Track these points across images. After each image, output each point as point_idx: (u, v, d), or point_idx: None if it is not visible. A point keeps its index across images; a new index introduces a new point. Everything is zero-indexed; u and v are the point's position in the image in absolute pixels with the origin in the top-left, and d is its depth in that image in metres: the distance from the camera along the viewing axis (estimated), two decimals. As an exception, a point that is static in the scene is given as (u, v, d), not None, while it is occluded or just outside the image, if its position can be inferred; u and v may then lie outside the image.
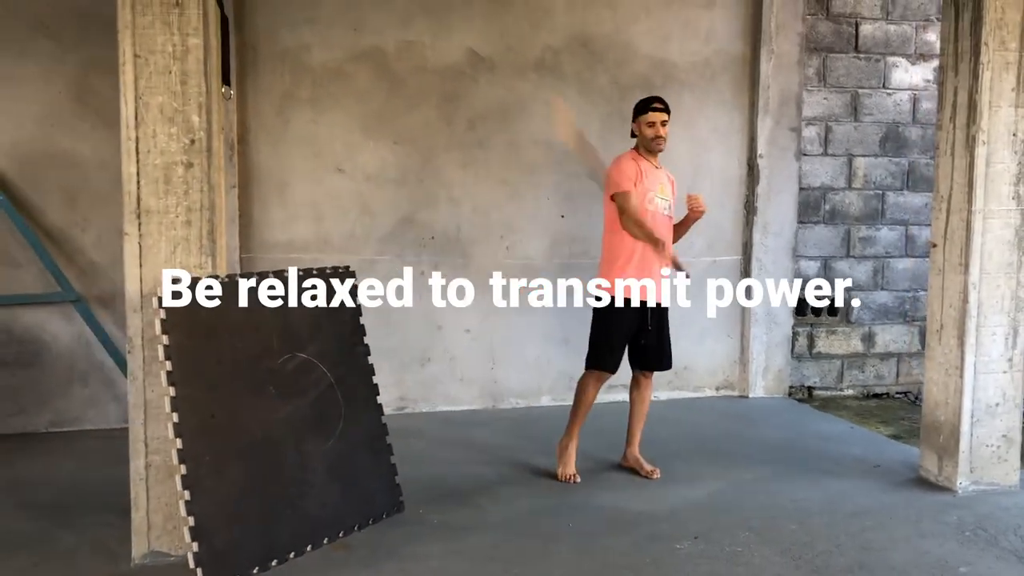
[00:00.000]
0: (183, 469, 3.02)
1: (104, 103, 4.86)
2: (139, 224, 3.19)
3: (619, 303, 4.17)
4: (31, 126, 4.88)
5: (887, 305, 6.18)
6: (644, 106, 4.23)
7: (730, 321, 5.95)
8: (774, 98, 5.79)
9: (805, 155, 5.94)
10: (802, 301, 6.02)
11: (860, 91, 6.01)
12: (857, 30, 5.97)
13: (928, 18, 6.04)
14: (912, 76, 6.07)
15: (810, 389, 6.12)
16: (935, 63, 6.02)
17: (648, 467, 4.37)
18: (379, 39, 5.29)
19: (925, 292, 6.06)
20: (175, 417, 3.04)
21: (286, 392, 3.45)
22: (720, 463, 4.56)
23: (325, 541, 3.45)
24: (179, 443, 3.03)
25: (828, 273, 6.06)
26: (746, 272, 5.91)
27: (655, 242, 4.10)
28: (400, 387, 5.45)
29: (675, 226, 4.34)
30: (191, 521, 2.99)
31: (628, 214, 4.12)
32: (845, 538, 3.58)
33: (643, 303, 4.18)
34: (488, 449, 4.73)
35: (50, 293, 4.92)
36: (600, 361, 4.24)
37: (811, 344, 6.09)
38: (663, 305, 4.29)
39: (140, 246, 3.19)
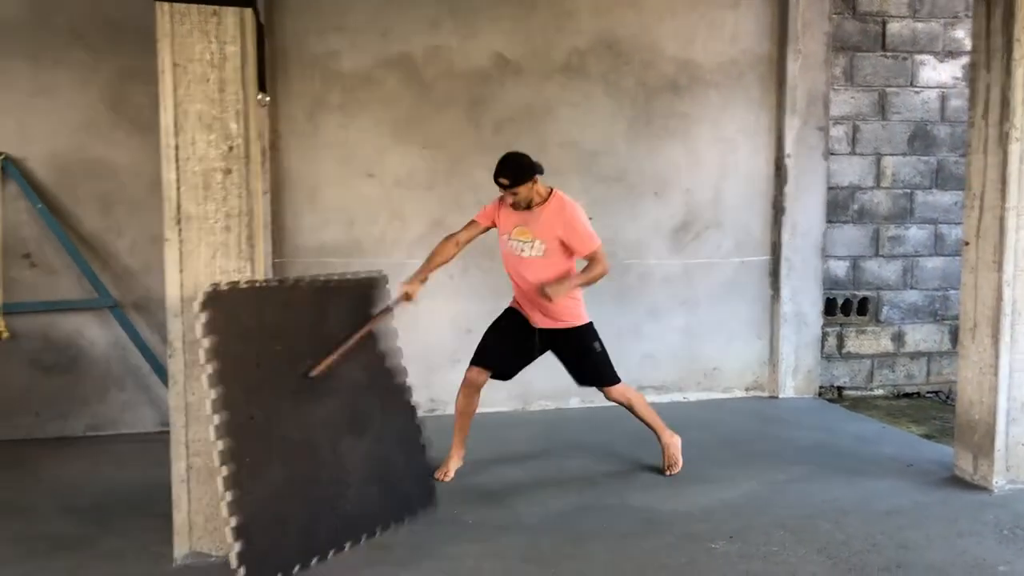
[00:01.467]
0: (225, 470, 3.06)
1: (138, 111, 4.95)
2: (179, 230, 3.24)
3: (508, 308, 4.34)
4: (67, 135, 4.96)
5: (917, 304, 6.15)
6: (494, 178, 4.06)
7: (759, 322, 5.95)
8: (801, 97, 5.78)
9: (833, 154, 5.92)
10: (831, 301, 6.00)
11: (888, 90, 5.99)
12: (884, 28, 5.95)
13: (956, 15, 6.01)
14: (940, 74, 6.04)
15: (840, 389, 6.09)
16: (964, 60, 5.99)
17: (669, 461, 4.43)
18: (407, 45, 5.34)
19: (955, 291, 6.05)
20: (216, 419, 3.07)
21: (322, 393, 3.49)
22: (752, 463, 4.55)
23: (363, 539, 3.50)
24: (221, 445, 3.06)
25: (857, 273, 6.04)
26: (775, 273, 5.90)
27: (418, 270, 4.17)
28: (430, 389, 5.48)
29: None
30: (233, 521, 3.03)
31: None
32: (881, 537, 3.57)
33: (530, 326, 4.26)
34: (519, 451, 4.75)
35: (87, 299, 5.00)
36: (474, 355, 4.34)
37: (840, 344, 6.07)
38: (551, 329, 4.24)
39: (180, 251, 3.24)
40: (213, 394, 3.09)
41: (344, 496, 3.49)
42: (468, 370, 4.31)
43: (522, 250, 4.15)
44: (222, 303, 3.12)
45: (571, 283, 4.10)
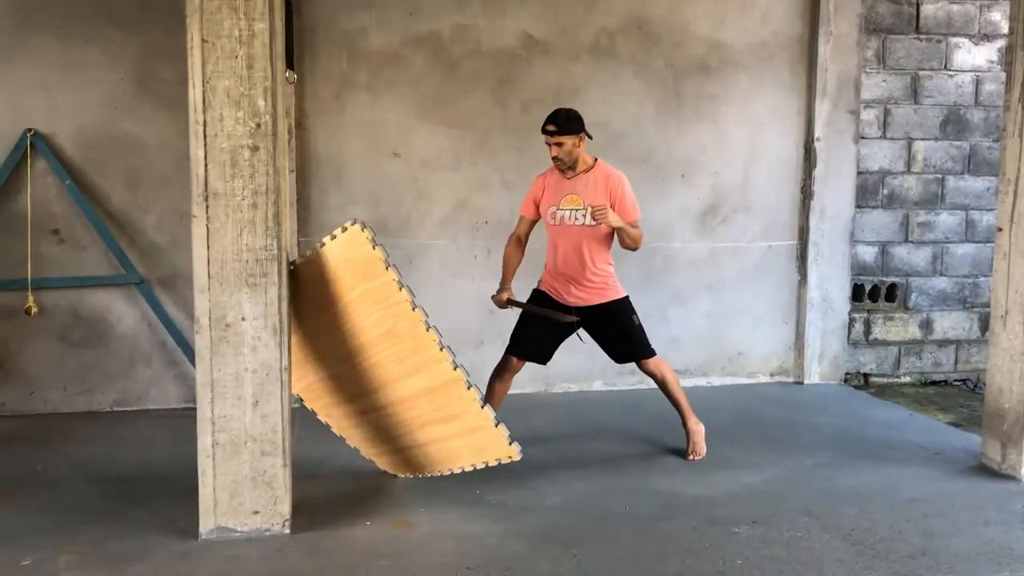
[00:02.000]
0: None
1: (165, 87, 4.96)
2: (207, 207, 3.24)
3: (538, 291, 4.34)
4: (95, 111, 4.99)
5: (946, 291, 6.07)
6: (542, 128, 4.15)
7: (786, 307, 5.90)
8: (832, 80, 5.70)
9: (863, 138, 5.84)
10: (859, 287, 5.94)
11: (920, 73, 5.89)
12: (918, 10, 5.84)
13: (993, -3, 5.90)
14: (975, 57, 5.94)
15: (866, 376, 6.04)
16: (1000, 43, 5.88)
17: (692, 446, 4.41)
18: (435, 23, 5.31)
19: (985, 278, 5.97)
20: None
21: None
22: (776, 449, 4.52)
23: None
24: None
25: (886, 259, 5.97)
26: (802, 257, 5.84)
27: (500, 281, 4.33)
28: (453, 370, 5.49)
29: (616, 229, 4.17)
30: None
31: (509, 238, 4.41)
32: (907, 524, 3.54)
33: (568, 306, 4.24)
34: (542, 432, 4.75)
35: (114, 275, 5.04)
36: (508, 346, 4.36)
37: (867, 330, 6.01)
38: (589, 306, 4.24)
39: (207, 228, 3.25)
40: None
41: None
42: (505, 358, 4.31)
43: (575, 219, 4.16)
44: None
45: (621, 220, 4.11)
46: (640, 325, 4.34)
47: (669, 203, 5.66)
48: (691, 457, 4.35)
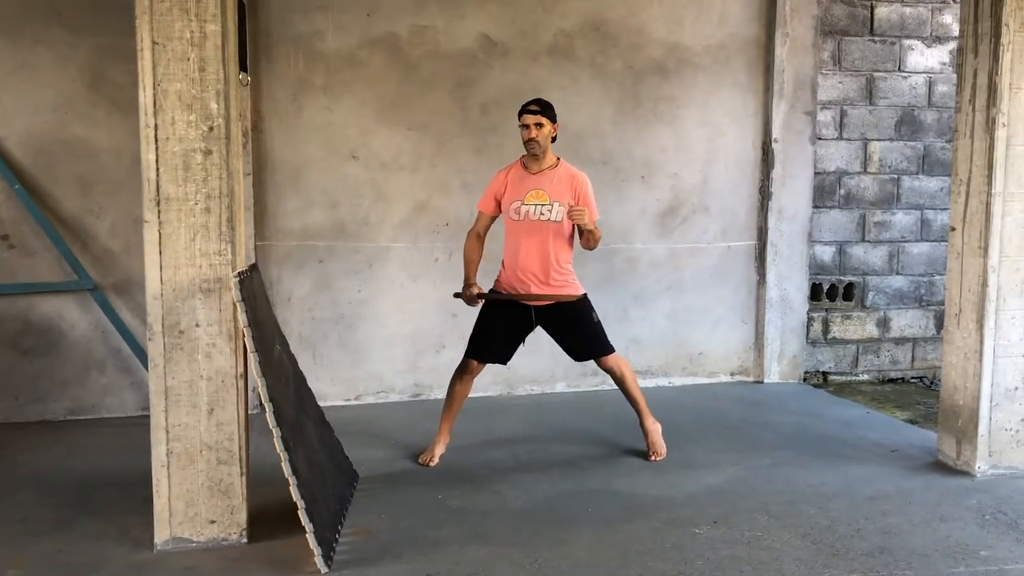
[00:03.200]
0: (286, 455, 3.06)
1: (118, 90, 4.87)
2: (158, 211, 3.18)
3: (494, 295, 4.29)
4: (46, 114, 4.88)
5: (902, 290, 6.16)
6: (520, 109, 4.20)
7: (745, 307, 5.94)
8: (789, 82, 5.75)
9: (820, 139, 5.91)
10: (817, 286, 6.00)
11: (875, 74, 5.97)
12: (872, 13, 5.93)
13: (944, 0, 5.99)
14: (928, 59, 6.03)
15: (825, 374, 6.11)
16: (951, 46, 5.98)
17: (652, 447, 4.42)
18: (392, 24, 5.27)
19: (940, 277, 6.06)
20: (270, 407, 3.07)
21: (286, 378, 3.51)
22: (737, 448, 4.55)
23: (343, 518, 3.55)
24: (279, 431, 3.06)
25: (843, 258, 6.04)
26: (761, 257, 5.88)
27: (464, 278, 4.26)
28: (415, 373, 5.46)
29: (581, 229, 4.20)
30: (303, 504, 3.02)
31: (468, 233, 4.34)
32: (865, 522, 3.58)
33: (524, 305, 4.24)
34: (504, 435, 4.73)
35: (67, 281, 4.93)
36: (467, 348, 4.32)
37: (826, 329, 6.08)
38: (551, 306, 4.24)
39: (160, 233, 3.19)
40: (261, 384, 3.10)
41: (326, 474, 3.55)
42: (466, 361, 4.28)
43: (541, 214, 4.16)
44: (244, 288, 3.16)
45: (591, 220, 4.15)
46: (599, 322, 4.35)
47: (629, 204, 5.68)
48: (653, 458, 4.36)
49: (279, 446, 3.04)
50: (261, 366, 3.09)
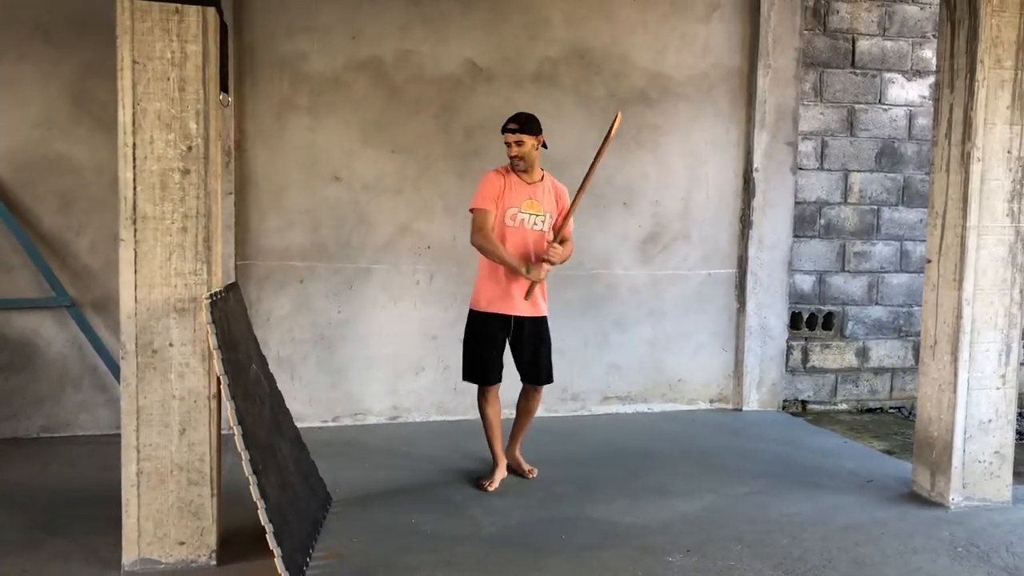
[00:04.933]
0: (255, 479, 3.02)
1: (101, 108, 4.87)
2: (135, 230, 3.18)
3: (482, 312, 4.26)
4: (28, 130, 4.88)
5: (881, 320, 6.19)
6: (502, 128, 4.24)
7: (725, 335, 5.96)
8: (771, 112, 5.81)
9: (801, 169, 5.96)
10: (796, 315, 6.03)
11: (856, 106, 6.04)
12: (854, 46, 6.00)
13: (924, 35, 6.07)
14: (908, 92, 6.10)
15: (804, 403, 6.12)
16: (931, 80, 6.06)
17: (527, 466, 4.47)
18: (377, 48, 5.30)
19: (919, 307, 6.10)
20: (239, 430, 3.04)
21: (261, 398, 3.50)
22: (713, 476, 4.55)
23: (315, 540, 3.52)
24: (247, 454, 3.03)
25: (823, 288, 6.08)
26: (741, 286, 5.91)
27: (511, 266, 4.15)
28: (393, 396, 5.45)
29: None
30: (271, 528, 2.98)
31: (478, 233, 4.16)
32: (838, 552, 3.58)
33: (507, 315, 4.24)
34: (481, 460, 4.71)
35: (44, 298, 4.91)
36: (473, 375, 4.30)
37: (805, 358, 6.10)
38: (530, 316, 4.26)
39: (135, 252, 3.19)
40: (230, 407, 3.06)
41: (299, 496, 3.52)
42: (488, 389, 4.30)
43: (535, 224, 4.22)
44: (216, 310, 3.14)
45: (564, 252, 4.24)
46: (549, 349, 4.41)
47: (611, 230, 5.70)
48: (488, 487, 4.28)
49: (247, 469, 3.02)
50: (230, 388, 3.07)
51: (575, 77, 5.59)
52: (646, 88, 5.69)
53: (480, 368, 4.28)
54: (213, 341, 3.09)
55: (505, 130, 4.21)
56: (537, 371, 4.35)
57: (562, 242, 4.25)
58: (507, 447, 4.52)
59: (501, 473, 4.35)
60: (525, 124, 4.20)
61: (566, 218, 4.29)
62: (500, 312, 4.23)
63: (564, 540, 3.67)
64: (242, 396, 3.17)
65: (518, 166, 4.21)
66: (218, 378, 3.25)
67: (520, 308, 4.23)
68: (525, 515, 3.96)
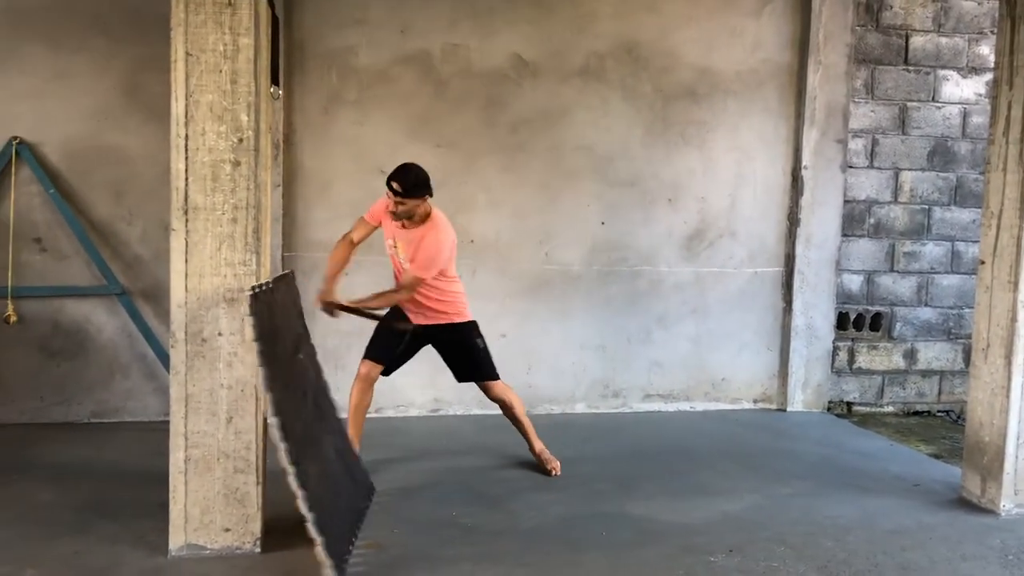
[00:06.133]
0: (292, 469, 3.02)
1: (153, 99, 4.94)
2: (186, 220, 3.23)
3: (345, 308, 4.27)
4: (82, 121, 4.97)
5: (931, 322, 6.08)
6: (387, 181, 4.07)
7: (770, 334, 5.89)
8: (820, 109, 5.72)
9: (851, 167, 5.86)
10: (843, 315, 5.94)
11: (909, 104, 5.92)
12: (907, 42, 5.88)
13: (981, 31, 5.94)
14: (963, 90, 5.97)
15: (849, 405, 6.03)
16: (987, 77, 5.92)
17: (548, 465, 4.45)
18: (425, 42, 5.32)
19: (970, 309, 5.98)
20: (276, 421, 3.05)
21: (304, 389, 3.52)
22: (756, 476, 4.50)
23: (358, 530, 3.55)
24: (285, 446, 3.04)
25: (871, 288, 5.98)
26: (787, 284, 5.84)
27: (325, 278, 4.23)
28: (434, 389, 5.47)
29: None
30: (311, 517, 3.00)
31: (342, 237, 4.28)
32: (883, 557, 3.52)
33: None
34: (521, 454, 4.70)
35: (96, 286, 5.01)
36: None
37: (851, 359, 6.01)
38: (437, 324, 4.27)
39: (186, 242, 3.23)
40: (267, 399, 3.09)
41: (341, 485, 3.54)
42: (361, 364, 4.29)
43: (402, 260, 4.21)
44: (257, 303, 3.16)
45: (372, 300, 4.22)
46: (485, 349, 4.38)
47: (655, 227, 5.67)
48: (554, 473, 4.38)
49: (285, 460, 3.03)
50: (268, 381, 3.07)
51: (622, 72, 5.55)
52: (694, 83, 5.64)
53: (371, 340, 4.31)
54: (251, 333, 3.11)
55: (388, 186, 4.02)
56: (469, 370, 4.40)
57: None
58: (528, 448, 4.53)
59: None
60: (409, 190, 4.00)
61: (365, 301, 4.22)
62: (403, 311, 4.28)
63: (604, 537, 3.66)
64: (282, 388, 3.19)
65: (397, 217, 4.12)
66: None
67: (418, 319, 4.25)
68: (564, 510, 3.95)
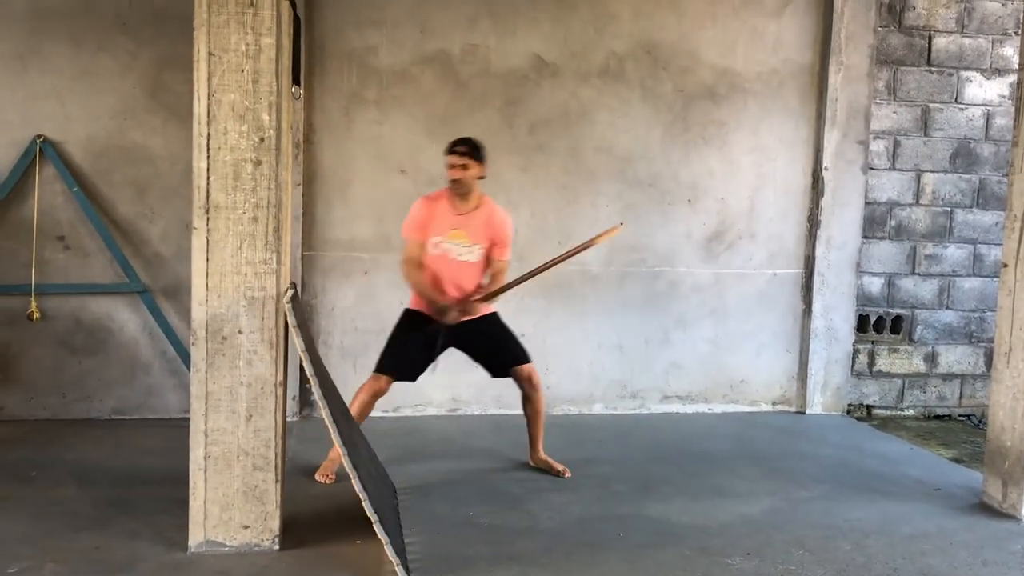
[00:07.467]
0: (356, 472, 3.09)
1: (176, 99, 4.98)
2: (207, 219, 3.25)
3: (411, 310, 4.26)
4: (106, 120, 5.02)
5: (952, 325, 6.03)
6: (447, 148, 4.17)
7: (789, 336, 5.86)
8: (842, 110, 5.69)
9: (872, 169, 5.82)
10: (864, 317, 5.90)
11: (931, 105, 5.88)
12: (930, 43, 5.84)
13: (1005, 32, 5.88)
14: (986, 91, 5.92)
15: (869, 408, 5.99)
16: (1011, 78, 5.87)
17: (558, 466, 4.41)
18: (445, 42, 5.33)
19: (992, 313, 5.92)
20: (335, 427, 3.12)
21: (334, 387, 3.54)
22: (775, 479, 4.48)
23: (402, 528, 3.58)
24: (345, 451, 3.12)
25: (892, 290, 5.94)
26: (807, 286, 5.81)
27: (429, 300, 4.15)
28: (452, 389, 5.47)
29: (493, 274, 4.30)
30: (375, 518, 3.05)
31: (404, 264, 4.22)
32: (903, 562, 3.50)
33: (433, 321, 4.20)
34: (538, 454, 4.72)
35: (118, 283, 5.05)
36: (377, 364, 4.23)
37: (872, 362, 5.97)
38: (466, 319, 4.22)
39: (208, 240, 3.25)
40: (323, 403, 3.15)
41: (380, 486, 3.57)
42: (375, 379, 4.18)
43: (459, 253, 4.19)
44: (297, 312, 3.20)
45: (492, 294, 4.23)
46: (513, 332, 4.36)
47: (674, 227, 5.65)
48: (566, 474, 4.36)
49: (347, 464, 3.08)
50: (321, 388, 3.13)
51: (641, 72, 5.54)
52: (714, 84, 5.62)
53: (385, 355, 4.22)
54: (300, 344, 3.17)
55: (451, 151, 4.12)
56: (504, 354, 4.32)
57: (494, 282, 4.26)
58: (531, 452, 4.51)
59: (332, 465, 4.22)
60: (474, 150, 4.14)
61: (507, 282, 4.25)
62: (422, 314, 4.22)
63: (621, 538, 3.65)
64: (329, 393, 3.22)
65: (456, 189, 4.15)
66: (285, 366, 3.33)
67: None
68: (582, 511, 3.95)
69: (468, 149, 4.13)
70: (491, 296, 4.24)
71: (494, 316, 4.34)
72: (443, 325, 4.15)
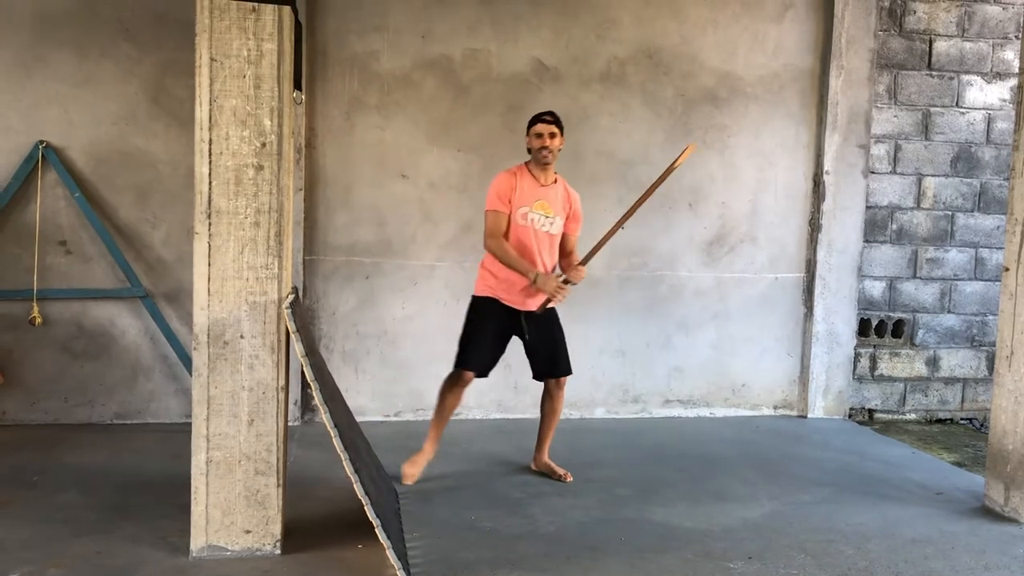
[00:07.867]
0: (356, 476, 3.09)
1: (178, 104, 5.00)
2: (209, 224, 3.25)
3: (484, 296, 4.23)
4: (108, 125, 5.03)
5: (954, 329, 6.03)
6: (534, 119, 4.22)
7: (791, 340, 5.87)
8: (843, 114, 5.70)
9: (873, 173, 5.83)
10: (865, 321, 5.90)
11: (932, 109, 5.88)
12: (931, 47, 5.85)
13: (1006, 36, 5.89)
14: (987, 95, 5.93)
15: (871, 412, 5.99)
16: (1012, 82, 5.88)
17: (560, 471, 4.40)
18: (446, 47, 5.34)
19: (994, 316, 5.93)
20: (336, 434, 3.11)
21: (337, 392, 3.55)
22: (776, 483, 4.48)
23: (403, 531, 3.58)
24: (346, 455, 3.12)
25: (893, 294, 5.94)
26: (809, 290, 5.81)
27: (522, 271, 4.11)
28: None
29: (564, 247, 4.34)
30: (378, 522, 3.05)
31: (492, 238, 4.15)
32: (905, 566, 3.49)
33: (512, 307, 4.20)
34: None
35: (119, 288, 5.06)
36: (460, 359, 4.23)
37: (873, 366, 5.97)
38: (538, 311, 4.22)
39: (209, 245, 3.26)
40: (325, 409, 3.15)
41: (382, 489, 3.57)
42: (463, 373, 4.22)
43: (543, 225, 4.20)
44: (297, 317, 3.21)
45: (588, 256, 4.27)
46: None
47: (676, 232, 5.66)
48: (568, 479, 4.37)
49: (349, 469, 3.08)
50: (323, 393, 3.12)
51: (643, 77, 5.56)
52: (715, 88, 5.63)
53: (467, 350, 4.22)
54: (299, 349, 3.17)
55: (540, 120, 4.17)
56: (555, 363, 4.32)
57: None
58: (536, 454, 4.51)
59: (427, 458, 4.29)
60: (558, 119, 4.22)
61: (602, 239, 4.27)
62: (504, 302, 4.21)
63: (623, 542, 3.65)
64: (331, 398, 3.22)
65: (546, 158, 4.16)
66: (287, 370, 3.33)
67: (526, 304, 4.21)
68: (584, 515, 3.95)
69: (555, 118, 4.18)
70: (587, 259, 4.26)
71: (555, 312, 4.32)
72: (523, 312, 4.18)
